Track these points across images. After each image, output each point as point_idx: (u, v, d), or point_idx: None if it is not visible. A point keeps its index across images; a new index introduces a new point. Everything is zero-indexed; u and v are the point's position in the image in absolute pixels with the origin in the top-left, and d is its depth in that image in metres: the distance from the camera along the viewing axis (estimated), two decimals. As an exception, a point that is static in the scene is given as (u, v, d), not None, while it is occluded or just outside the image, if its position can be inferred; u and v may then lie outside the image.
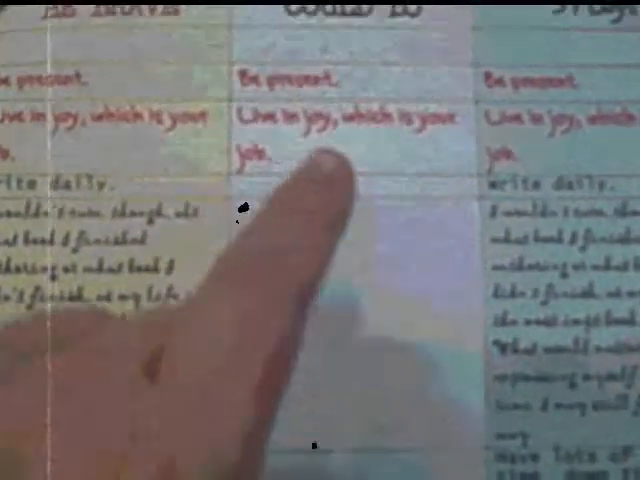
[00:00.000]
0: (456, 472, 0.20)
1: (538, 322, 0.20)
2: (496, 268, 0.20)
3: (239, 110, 0.21)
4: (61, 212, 0.20)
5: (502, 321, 0.20)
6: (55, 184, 0.20)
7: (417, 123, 0.21)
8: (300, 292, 0.14)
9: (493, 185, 0.21)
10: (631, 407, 0.20)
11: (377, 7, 0.21)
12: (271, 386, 0.13)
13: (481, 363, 0.20)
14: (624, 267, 0.20)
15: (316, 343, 0.18)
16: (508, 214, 0.21)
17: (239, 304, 0.13)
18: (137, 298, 0.20)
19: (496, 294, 0.20)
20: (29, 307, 0.19)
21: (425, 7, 0.21)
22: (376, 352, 0.20)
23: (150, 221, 0.20)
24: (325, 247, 0.15)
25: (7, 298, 0.20)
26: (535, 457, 0.20)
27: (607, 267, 0.21)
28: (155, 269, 0.20)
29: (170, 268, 0.20)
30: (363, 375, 0.20)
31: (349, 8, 0.21)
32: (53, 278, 0.20)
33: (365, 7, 0.21)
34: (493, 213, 0.21)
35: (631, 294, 0.20)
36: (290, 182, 0.16)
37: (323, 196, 0.16)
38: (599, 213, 0.21)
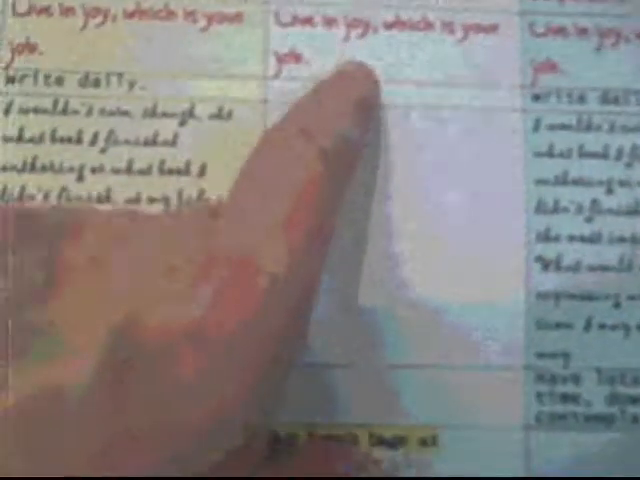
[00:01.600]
0: (494, 392, 0.19)
1: (582, 239, 0.20)
2: (539, 182, 0.20)
3: (277, 13, 0.20)
4: (90, 111, 0.19)
5: (545, 237, 0.20)
6: (84, 81, 0.19)
7: (459, 33, 0.20)
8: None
9: (537, 98, 0.20)
10: (677, 329, 0.20)
11: None
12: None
13: (522, 280, 0.20)
14: (671, 185, 0.20)
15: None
16: (552, 128, 0.20)
17: None
18: (167, 201, 0.19)
19: (539, 209, 0.20)
20: (54, 208, 0.19)
21: None
22: (411, 260, 0.19)
23: (182, 123, 0.19)
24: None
25: (32, 198, 0.19)
26: (576, 378, 0.20)
27: (654, 184, 0.20)
28: (186, 172, 0.19)
29: (202, 171, 0.19)
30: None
31: None
32: (80, 178, 0.19)
33: None
34: (537, 126, 0.20)
35: (678, 212, 0.20)
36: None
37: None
38: (646, 129, 0.20)
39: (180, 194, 0.19)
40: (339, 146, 0.16)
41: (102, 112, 0.19)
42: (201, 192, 0.19)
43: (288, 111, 0.17)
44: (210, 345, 0.13)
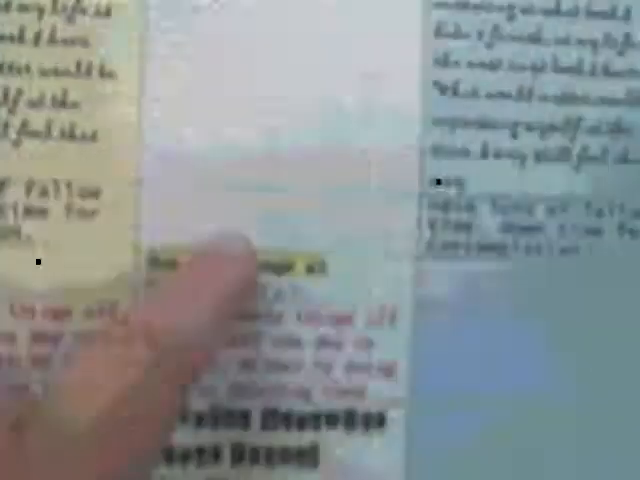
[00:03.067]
0: (386, 218, 0.19)
1: (482, 65, 0.19)
2: (439, 5, 0.19)
3: None
4: None
5: (443, 62, 0.19)
6: None
7: None
8: None
9: None
10: (573, 161, 0.19)
11: None
12: None
13: (419, 105, 0.19)
14: (574, 12, 0.19)
15: None
16: (454, -50, 0.19)
17: None
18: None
19: (439, 33, 0.19)
20: None
21: None
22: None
23: None
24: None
25: None
26: (470, 207, 0.19)
27: (557, 12, 0.19)
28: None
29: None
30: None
31: None
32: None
33: None
34: (439, -52, 0.19)
35: (580, 42, 0.19)
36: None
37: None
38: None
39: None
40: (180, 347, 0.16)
41: None
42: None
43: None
44: None
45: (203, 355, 0.16)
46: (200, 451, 0.19)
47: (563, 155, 0.19)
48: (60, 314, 0.18)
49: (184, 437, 0.19)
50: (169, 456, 0.19)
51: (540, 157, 0.19)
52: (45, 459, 0.14)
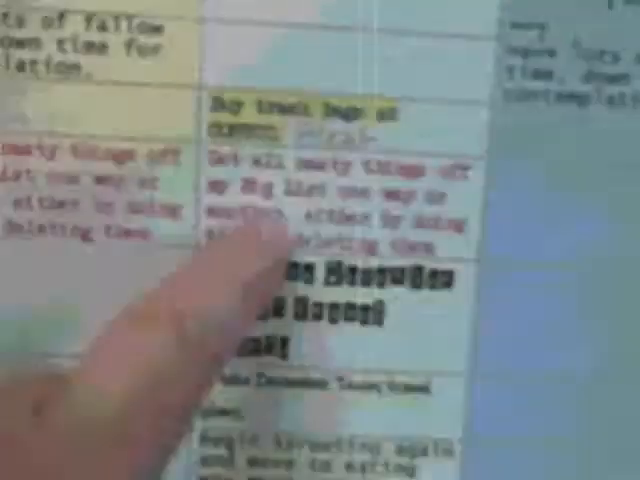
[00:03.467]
0: (461, 63, 0.18)
1: None
2: None
3: None
4: None
5: None
6: None
7: None
8: None
9: None
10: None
11: None
12: None
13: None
14: None
15: None
16: None
17: None
18: None
19: None
20: None
21: None
22: None
23: None
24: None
25: None
26: (552, 52, 0.18)
27: None
28: None
29: None
30: None
31: None
32: None
33: None
34: None
35: None
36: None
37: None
38: None
39: None
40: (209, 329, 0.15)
41: None
42: None
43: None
44: None
45: (231, 340, 0.16)
46: (263, 303, 0.19)
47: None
48: (123, 157, 0.18)
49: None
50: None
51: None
52: (70, 447, 0.13)
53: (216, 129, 0.18)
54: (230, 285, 0.16)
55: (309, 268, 0.18)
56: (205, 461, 0.19)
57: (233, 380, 0.19)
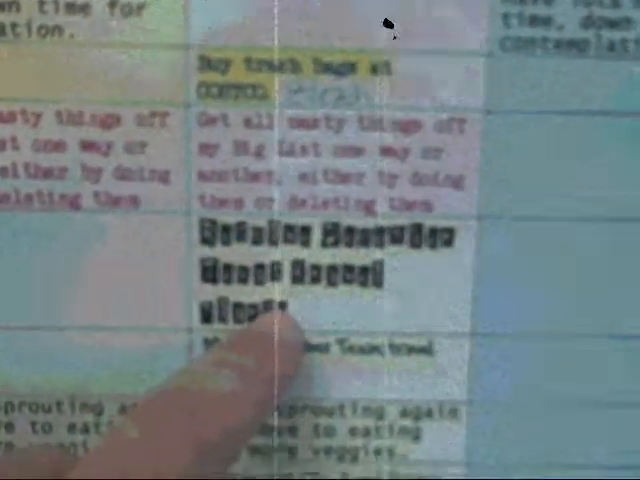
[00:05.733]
0: (457, 9, 0.17)
1: None
2: None
3: None
4: None
5: None
6: None
7: None
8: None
9: None
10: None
11: None
12: None
13: None
14: None
15: None
16: None
17: None
18: None
19: None
20: None
21: None
22: None
23: None
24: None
25: None
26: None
27: None
28: None
29: None
30: None
31: None
32: None
33: None
34: None
35: None
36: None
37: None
38: None
39: None
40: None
41: None
42: None
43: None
44: None
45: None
46: (259, 268, 0.18)
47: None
48: (109, 122, 0.17)
49: (242, 255, 0.18)
50: (228, 272, 0.18)
51: None
52: None
53: (204, 90, 0.17)
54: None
55: (305, 230, 0.18)
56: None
57: (232, 348, 0.19)
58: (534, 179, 0.18)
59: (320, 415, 0.19)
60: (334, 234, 0.18)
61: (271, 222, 0.18)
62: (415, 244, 0.18)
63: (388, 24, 0.17)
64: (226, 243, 0.18)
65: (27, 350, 0.18)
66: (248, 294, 0.18)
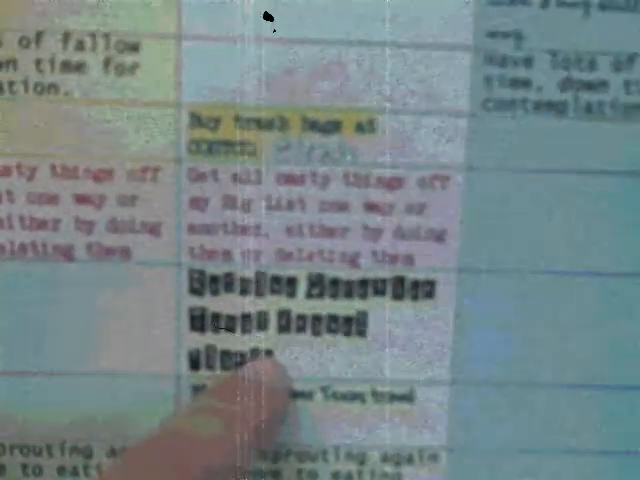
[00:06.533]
0: (441, 72, 0.18)
1: None
2: None
3: None
4: None
5: None
6: None
7: None
8: None
9: None
10: (642, 10, 0.18)
11: None
12: None
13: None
14: None
15: None
16: None
17: None
18: None
19: None
20: None
21: None
22: None
23: None
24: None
25: None
26: (528, 61, 0.18)
27: None
28: None
29: None
30: None
31: None
32: None
33: None
34: None
35: None
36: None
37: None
38: None
39: None
40: None
41: None
42: None
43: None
44: None
45: None
46: (246, 317, 0.19)
47: (631, 3, 0.18)
48: (102, 176, 0.18)
49: (230, 305, 0.19)
50: (215, 322, 0.19)
51: (606, 6, 0.18)
52: None
53: (195, 146, 0.18)
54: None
55: (291, 281, 0.19)
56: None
57: (220, 392, 0.19)
58: (513, 234, 0.19)
59: (304, 460, 0.19)
60: (319, 285, 0.19)
61: (258, 273, 0.19)
62: (397, 296, 0.19)
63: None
64: (214, 293, 0.19)
65: (18, 394, 0.19)
66: (235, 342, 0.19)
